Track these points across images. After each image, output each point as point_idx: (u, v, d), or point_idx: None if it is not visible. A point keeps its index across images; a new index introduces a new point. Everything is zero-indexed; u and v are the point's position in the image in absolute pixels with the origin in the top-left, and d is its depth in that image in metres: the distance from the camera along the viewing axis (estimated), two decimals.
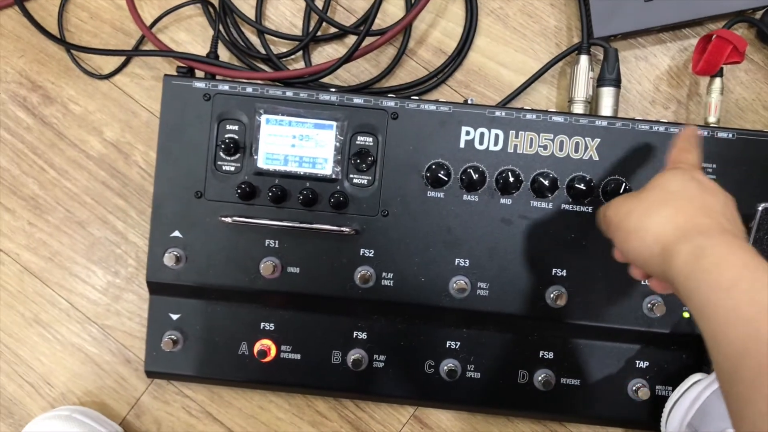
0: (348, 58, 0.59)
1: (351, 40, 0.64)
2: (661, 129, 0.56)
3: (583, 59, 0.60)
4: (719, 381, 0.38)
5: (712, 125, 0.59)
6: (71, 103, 0.63)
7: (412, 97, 0.59)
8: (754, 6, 0.61)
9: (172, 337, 0.58)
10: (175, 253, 0.57)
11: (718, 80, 0.60)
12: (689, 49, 0.63)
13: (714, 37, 0.58)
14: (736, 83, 0.63)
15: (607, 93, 0.60)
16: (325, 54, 0.64)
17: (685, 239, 0.41)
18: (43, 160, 0.63)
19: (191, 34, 0.64)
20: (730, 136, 0.56)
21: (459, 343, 0.59)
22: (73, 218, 0.63)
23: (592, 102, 0.61)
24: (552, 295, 0.56)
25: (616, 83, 0.60)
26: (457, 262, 0.57)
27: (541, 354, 0.59)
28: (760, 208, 0.52)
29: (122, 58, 0.63)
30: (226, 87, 0.57)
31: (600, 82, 0.60)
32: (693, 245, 0.41)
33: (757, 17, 0.62)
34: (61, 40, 0.63)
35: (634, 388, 0.58)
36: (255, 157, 0.57)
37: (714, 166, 0.56)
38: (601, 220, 0.50)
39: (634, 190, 0.48)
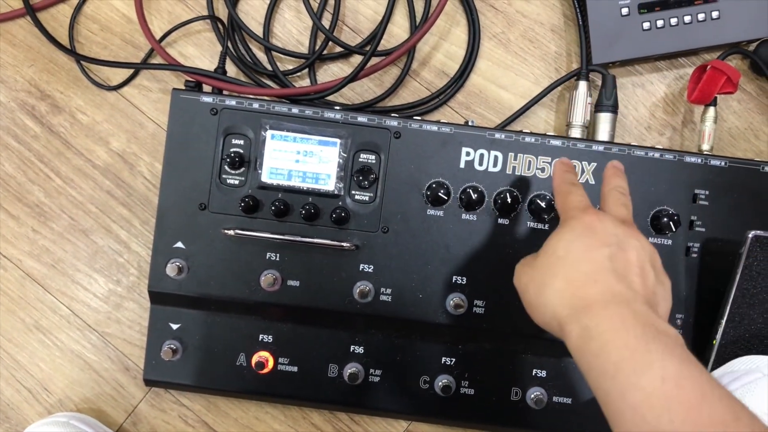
0: (353, 77, 0.60)
1: (356, 59, 0.65)
2: (656, 155, 0.58)
3: (582, 85, 0.62)
4: None
5: (705, 153, 0.61)
6: (79, 112, 0.64)
7: (415, 118, 0.60)
8: (748, 38, 0.63)
9: (172, 346, 0.59)
10: (178, 263, 0.58)
11: (711, 109, 0.61)
12: (685, 77, 0.65)
13: (709, 67, 0.60)
14: (729, 112, 0.65)
15: (604, 118, 0.61)
16: (330, 72, 0.66)
17: (574, 318, 0.40)
18: (50, 168, 0.64)
19: (200, 49, 0.65)
20: (723, 164, 0.58)
21: (454, 360, 0.60)
22: (77, 226, 0.64)
23: (590, 127, 0.62)
24: None
25: (614, 109, 0.61)
26: (454, 279, 0.58)
27: (534, 372, 0.60)
28: (750, 236, 0.54)
29: (131, 71, 0.65)
30: (233, 102, 0.58)
31: (597, 107, 0.62)
32: (580, 326, 0.40)
33: (751, 49, 0.64)
34: (71, 51, 0.64)
35: None
36: (259, 171, 0.58)
37: (707, 192, 0.58)
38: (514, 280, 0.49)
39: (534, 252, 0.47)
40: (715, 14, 0.62)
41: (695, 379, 0.35)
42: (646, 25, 0.62)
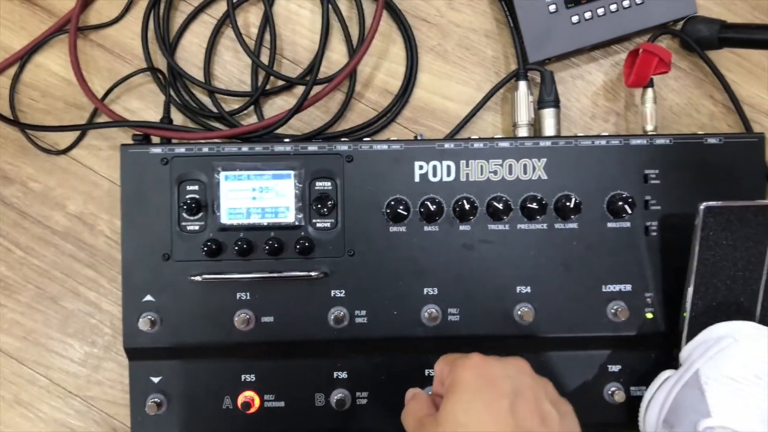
0: (298, 108, 0.61)
1: (299, 89, 0.66)
2: (602, 142, 0.59)
3: (522, 85, 0.63)
4: None
5: (650, 133, 0.63)
6: (31, 181, 0.64)
7: (365, 139, 0.61)
8: (674, 18, 0.65)
9: (156, 400, 0.59)
10: (150, 317, 0.58)
11: (650, 90, 0.63)
12: (620, 63, 0.67)
13: (640, 51, 0.62)
14: (668, 90, 0.67)
15: (548, 114, 0.63)
16: (275, 106, 0.66)
17: None
18: (8, 241, 0.64)
19: (143, 101, 0.65)
20: (668, 141, 0.60)
21: None
22: (44, 294, 0.64)
23: (536, 124, 0.64)
24: (519, 313, 0.58)
25: (555, 104, 0.63)
26: (425, 291, 0.59)
27: None
28: (702, 208, 0.55)
29: (78, 132, 0.65)
30: (182, 149, 0.59)
31: (540, 104, 0.63)
32: None
33: (679, 27, 0.66)
34: (14, 122, 0.64)
35: (609, 392, 0.60)
36: (218, 213, 0.58)
37: (657, 171, 0.59)
38: None
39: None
40: None
41: None
42: (575, 18, 0.64)
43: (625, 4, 0.64)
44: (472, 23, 0.66)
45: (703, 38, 0.64)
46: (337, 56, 0.66)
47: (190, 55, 0.66)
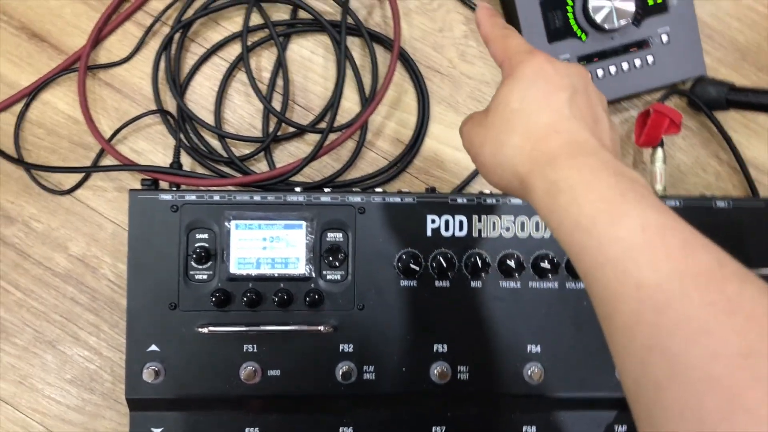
0: (312, 158, 0.60)
1: (310, 135, 0.65)
2: None
3: None
4: (600, 321, 0.35)
5: (659, 194, 0.63)
6: (33, 221, 0.63)
7: (377, 190, 0.60)
8: (683, 78, 0.66)
9: None
10: (154, 367, 0.56)
11: (660, 150, 0.64)
12: (630, 120, 0.67)
13: (651, 112, 0.63)
14: (676, 149, 0.67)
15: None
16: (286, 151, 0.66)
17: (538, 173, 0.37)
18: (7, 282, 0.62)
19: (152, 143, 0.64)
20: (678, 204, 0.60)
21: (444, 427, 0.60)
22: (42, 338, 0.62)
23: None
24: (529, 372, 0.58)
25: None
26: (435, 348, 0.59)
27: (524, 429, 0.60)
28: None
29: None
30: (192, 197, 0.58)
31: None
32: (546, 181, 0.36)
33: (687, 87, 0.67)
34: (19, 161, 0.62)
35: None
36: (227, 263, 0.57)
37: None
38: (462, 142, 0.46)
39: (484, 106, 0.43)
40: (650, 59, 0.65)
41: (676, 228, 0.33)
42: None
43: (637, 63, 0.64)
44: (484, 76, 0.67)
45: (711, 99, 0.65)
46: (349, 104, 0.66)
47: (200, 97, 0.65)
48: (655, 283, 0.31)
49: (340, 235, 0.59)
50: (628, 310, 0.32)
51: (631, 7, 0.62)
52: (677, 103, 0.68)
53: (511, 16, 0.64)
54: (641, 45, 0.64)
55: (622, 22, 0.63)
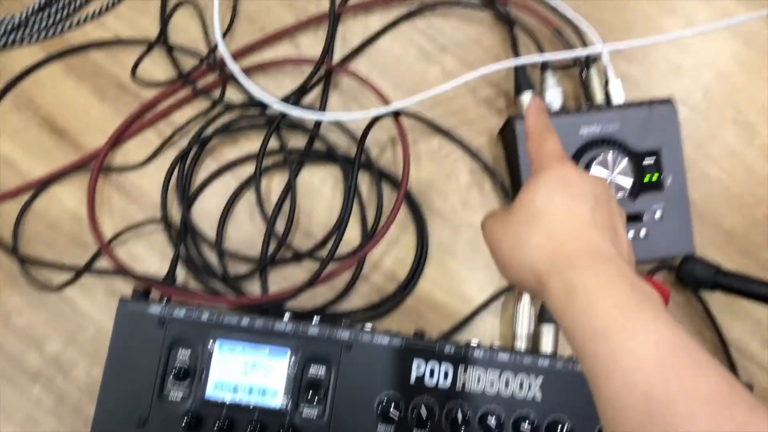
0: (308, 286, 0.61)
1: (307, 261, 0.66)
2: None
3: (525, 297, 0.64)
4: (602, 422, 0.35)
5: None
6: (14, 313, 0.62)
7: (366, 326, 0.60)
8: (673, 254, 0.68)
9: None
10: None
11: None
12: None
13: None
14: None
15: (546, 330, 0.63)
16: (281, 274, 0.66)
17: (556, 273, 0.38)
18: None
19: (150, 249, 0.65)
20: None
21: None
22: None
23: (535, 336, 0.64)
24: None
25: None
26: None
27: None
28: None
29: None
30: (181, 313, 0.57)
31: (541, 318, 0.64)
32: (563, 282, 0.37)
33: (677, 264, 0.69)
34: (13, 251, 0.62)
35: None
36: (204, 385, 0.56)
37: None
38: (483, 235, 0.47)
39: (511, 215, 0.44)
40: (642, 232, 0.67)
41: (689, 347, 0.33)
42: None
43: (630, 234, 0.67)
44: None
45: (698, 279, 0.67)
46: (349, 235, 0.67)
47: (207, 211, 0.66)
48: (665, 399, 0.32)
49: (324, 369, 0.58)
50: (635, 421, 0.32)
51: (628, 183, 0.65)
52: (666, 277, 0.70)
53: (514, 175, 0.67)
54: (635, 218, 0.67)
55: (620, 194, 0.65)
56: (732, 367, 0.67)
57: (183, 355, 0.57)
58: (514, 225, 0.42)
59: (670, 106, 0.67)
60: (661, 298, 0.37)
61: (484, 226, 0.46)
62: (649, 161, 0.66)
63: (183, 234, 0.65)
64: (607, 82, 0.69)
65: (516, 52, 0.71)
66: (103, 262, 0.63)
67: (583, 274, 0.37)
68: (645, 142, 0.66)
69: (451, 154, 0.70)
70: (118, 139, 0.65)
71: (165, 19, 0.68)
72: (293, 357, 0.58)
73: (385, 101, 0.66)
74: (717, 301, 0.69)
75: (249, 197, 0.67)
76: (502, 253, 0.43)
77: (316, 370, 0.58)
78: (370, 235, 0.65)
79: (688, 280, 0.67)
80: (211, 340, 0.57)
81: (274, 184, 0.68)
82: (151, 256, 0.65)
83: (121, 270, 0.61)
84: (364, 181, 0.68)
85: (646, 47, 0.73)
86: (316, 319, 0.60)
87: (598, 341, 0.34)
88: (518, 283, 0.42)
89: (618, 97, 0.68)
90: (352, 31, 0.71)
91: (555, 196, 0.41)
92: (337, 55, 0.70)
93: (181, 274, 0.64)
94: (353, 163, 0.64)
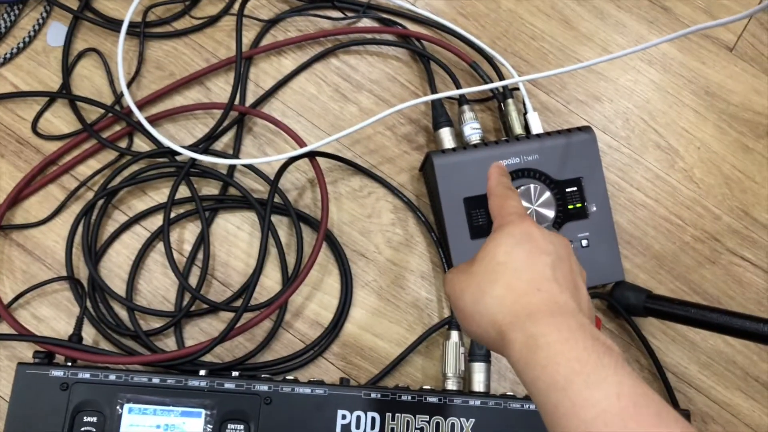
0: (222, 338, 0.58)
1: (225, 313, 0.63)
2: (532, 406, 0.58)
3: (454, 334, 0.62)
4: None
5: None
6: None
7: (287, 377, 0.57)
8: (603, 282, 0.67)
9: None
10: None
11: None
12: None
13: None
14: None
15: (478, 368, 0.61)
16: (198, 328, 0.63)
17: (517, 327, 0.38)
18: None
19: (56, 310, 0.61)
20: None
21: None
22: None
23: (465, 376, 0.62)
24: None
25: (486, 358, 0.62)
26: None
27: None
28: None
29: None
30: (86, 375, 0.54)
31: (471, 356, 0.62)
32: (525, 335, 0.37)
33: (608, 291, 0.68)
34: None
35: None
36: None
37: None
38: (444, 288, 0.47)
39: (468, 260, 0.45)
40: None
41: (650, 399, 0.34)
42: None
43: None
44: (410, 263, 0.67)
45: (629, 305, 0.66)
46: (270, 282, 0.65)
47: (116, 265, 0.63)
48: None
49: (242, 426, 0.55)
50: None
51: (551, 213, 0.65)
52: (597, 305, 0.69)
53: (437, 210, 0.66)
54: None
55: (545, 225, 0.65)
56: (670, 393, 0.66)
57: (89, 421, 0.53)
58: (476, 276, 0.42)
59: (588, 133, 0.66)
60: (620, 351, 0.37)
61: (446, 279, 0.46)
62: (571, 190, 0.66)
63: (91, 291, 0.61)
64: (525, 113, 0.69)
65: (433, 88, 0.70)
66: (3, 327, 0.59)
67: (544, 327, 0.37)
68: (566, 171, 0.66)
69: (372, 193, 0.68)
70: (17, 197, 0.62)
71: (68, 68, 0.66)
72: (208, 415, 0.54)
73: (300, 143, 0.64)
74: (652, 325, 0.68)
75: (161, 248, 0.64)
76: (464, 306, 0.42)
77: (234, 427, 0.55)
78: (291, 280, 0.63)
79: (620, 307, 0.66)
80: (120, 403, 0.53)
81: (187, 234, 0.65)
82: (57, 317, 0.61)
83: (22, 332, 0.57)
84: (283, 226, 0.66)
85: (564, 78, 0.73)
86: (235, 373, 0.57)
87: (559, 393, 0.35)
88: (479, 337, 0.42)
89: (536, 128, 0.68)
90: (266, 72, 0.69)
91: (517, 249, 0.42)
92: (250, 98, 0.68)
93: (90, 333, 0.60)
94: (266, 207, 0.62)
